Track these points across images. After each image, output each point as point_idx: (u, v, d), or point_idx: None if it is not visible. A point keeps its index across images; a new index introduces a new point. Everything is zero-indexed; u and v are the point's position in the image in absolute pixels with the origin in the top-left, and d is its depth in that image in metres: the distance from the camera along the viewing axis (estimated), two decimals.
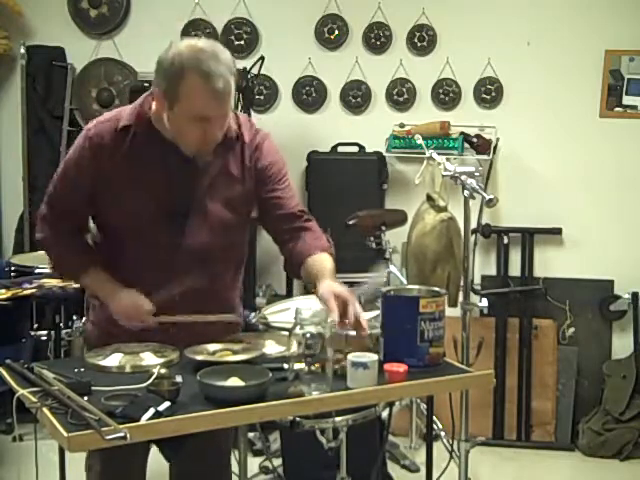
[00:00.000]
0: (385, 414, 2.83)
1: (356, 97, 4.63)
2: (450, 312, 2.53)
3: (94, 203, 2.44)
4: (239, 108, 4.43)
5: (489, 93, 4.49)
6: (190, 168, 2.39)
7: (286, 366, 2.16)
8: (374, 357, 2.15)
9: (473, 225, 4.23)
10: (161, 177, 2.39)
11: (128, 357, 2.29)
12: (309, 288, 2.50)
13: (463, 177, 2.90)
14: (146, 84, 3.40)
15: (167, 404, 1.92)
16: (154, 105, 2.36)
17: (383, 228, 3.97)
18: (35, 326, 3.97)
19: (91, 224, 2.56)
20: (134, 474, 2.58)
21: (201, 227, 2.42)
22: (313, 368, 2.07)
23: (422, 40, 4.52)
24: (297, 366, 2.08)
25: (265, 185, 2.47)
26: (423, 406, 4.04)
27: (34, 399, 1.99)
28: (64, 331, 3.96)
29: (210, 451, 2.60)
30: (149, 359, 2.28)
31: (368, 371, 2.11)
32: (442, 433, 3.99)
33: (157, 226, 2.40)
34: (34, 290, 3.75)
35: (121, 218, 2.42)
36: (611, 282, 4.43)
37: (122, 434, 1.79)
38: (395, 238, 4.19)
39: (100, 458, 2.47)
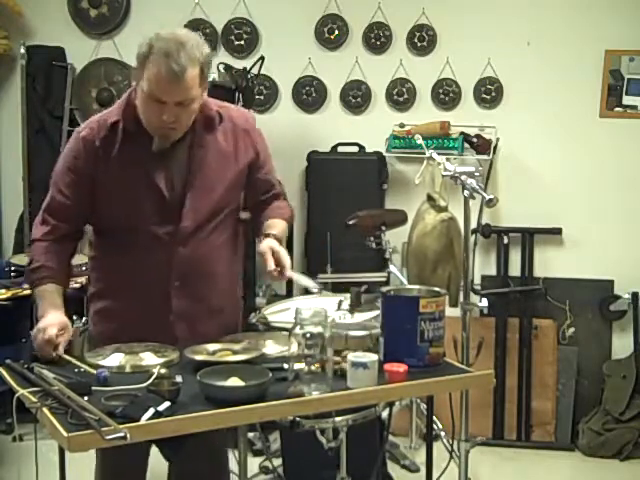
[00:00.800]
0: (385, 414, 2.83)
1: (356, 97, 4.63)
2: (450, 312, 2.53)
3: (93, 202, 2.45)
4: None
5: (489, 93, 4.49)
6: (181, 151, 2.44)
7: (286, 366, 2.16)
8: (374, 357, 2.15)
9: (473, 225, 4.23)
10: (155, 165, 2.42)
11: (128, 357, 2.29)
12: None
13: (463, 177, 2.90)
14: None
15: (167, 404, 1.92)
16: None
17: (383, 228, 3.97)
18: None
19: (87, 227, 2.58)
20: (133, 472, 2.60)
21: (196, 209, 2.46)
22: (313, 368, 2.07)
23: (422, 40, 4.52)
24: (297, 366, 2.08)
25: (262, 168, 2.62)
26: (423, 406, 4.04)
27: (34, 399, 1.99)
28: None
29: (205, 450, 2.62)
30: (149, 359, 2.29)
31: (368, 371, 2.12)
32: (442, 433, 3.99)
33: (155, 215, 2.43)
34: None
35: (120, 212, 2.44)
36: (611, 282, 4.43)
37: (122, 434, 1.79)
38: (395, 238, 4.19)
39: (99, 456, 2.52)
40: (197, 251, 2.47)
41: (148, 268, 2.45)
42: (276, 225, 2.56)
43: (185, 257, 2.46)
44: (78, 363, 2.27)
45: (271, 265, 2.40)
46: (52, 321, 2.30)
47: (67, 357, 2.30)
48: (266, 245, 2.44)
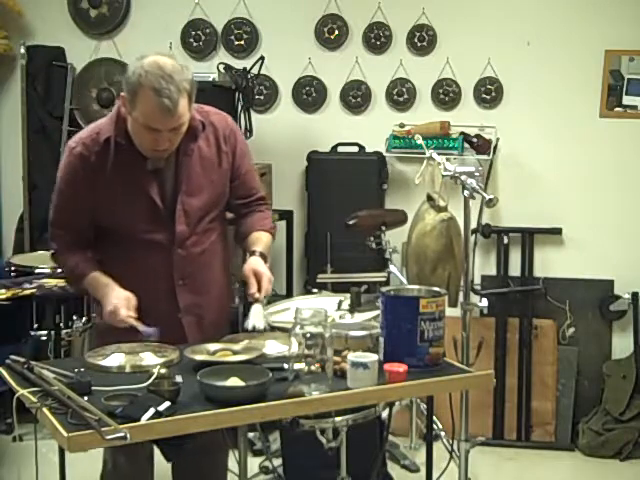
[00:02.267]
0: (385, 414, 2.83)
1: (356, 97, 4.63)
2: (450, 312, 2.53)
3: (94, 214, 2.56)
4: (239, 108, 4.43)
5: (489, 93, 4.49)
6: (170, 162, 2.54)
7: (286, 366, 2.16)
8: (374, 357, 2.15)
9: (473, 225, 4.23)
10: (149, 178, 2.53)
11: (128, 357, 2.30)
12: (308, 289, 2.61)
13: (463, 177, 2.90)
14: None
15: (167, 404, 1.92)
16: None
17: (383, 228, 3.96)
18: (35, 326, 3.96)
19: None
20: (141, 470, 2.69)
21: (187, 213, 2.57)
22: (313, 368, 2.07)
23: (422, 40, 4.52)
24: (297, 366, 2.09)
25: (240, 169, 2.69)
26: (423, 406, 4.03)
27: (34, 399, 1.99)
28: (64, 331, 3.96)
29: (206, 449, 2.65)
30: (149, 359, 2.29)
31: (368, 371, 2.12)
32: (442, 433, 3.99)
33: (151, 223, 2.55)
34: (34, 290, 3.75)
35: (119, 222, 2.55)
36: (611, 282, 4.43)
37: (122, 434, 1.79)
38: (395, 238, 4.18)
39: (110, 454, 2.64)
40: (194, 251, 2.61)
41: (150, 271, 2.57)
42: (261, 240, 2.68)
43: (183, 258, 2.59)
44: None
45: (252, 289, 2.51)
46: (121, 297, 2.46)
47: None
48: (250, 268, 2.55)
